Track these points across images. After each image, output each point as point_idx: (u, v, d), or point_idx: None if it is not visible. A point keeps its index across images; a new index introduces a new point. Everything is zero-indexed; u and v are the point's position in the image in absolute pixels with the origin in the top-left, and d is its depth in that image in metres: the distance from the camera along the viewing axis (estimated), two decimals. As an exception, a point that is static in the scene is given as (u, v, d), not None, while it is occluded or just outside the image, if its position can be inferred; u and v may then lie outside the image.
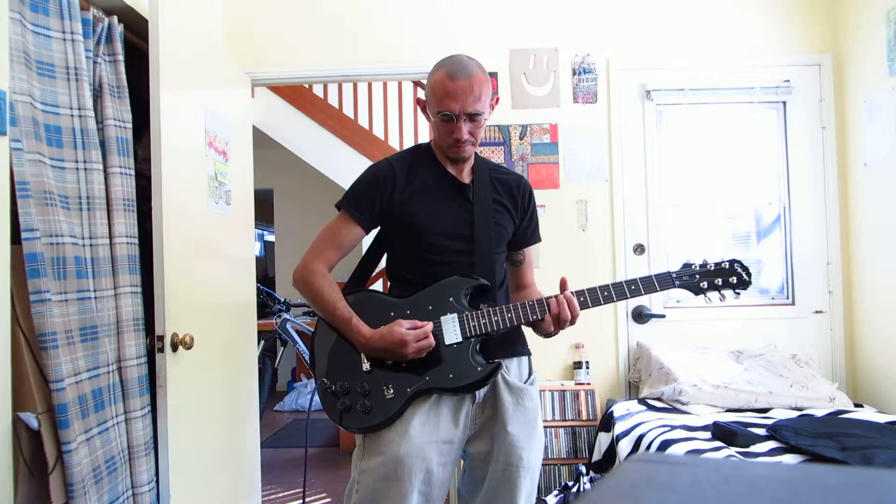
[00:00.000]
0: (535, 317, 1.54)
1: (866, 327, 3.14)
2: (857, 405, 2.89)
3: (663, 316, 3.22)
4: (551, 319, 1.55)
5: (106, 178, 2.18)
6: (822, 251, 3.26)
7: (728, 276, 1.57)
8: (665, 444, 2.37)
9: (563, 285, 1.57)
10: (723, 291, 1.58)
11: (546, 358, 3.23)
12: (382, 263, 1.79)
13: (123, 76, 2.31)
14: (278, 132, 4.73)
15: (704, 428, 2.51)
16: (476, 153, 1.68)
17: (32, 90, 1.93)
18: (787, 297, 3.31)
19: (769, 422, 2.53)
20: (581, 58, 3.30)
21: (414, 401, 1.51)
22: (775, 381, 2.88)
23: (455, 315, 1.53)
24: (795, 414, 2.69)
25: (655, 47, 3.30)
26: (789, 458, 2.18)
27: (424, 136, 5.44)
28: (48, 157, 1.96)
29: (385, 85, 4.84)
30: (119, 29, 2.33)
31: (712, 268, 1.58)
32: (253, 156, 3.05)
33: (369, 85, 4.92)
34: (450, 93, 1.50)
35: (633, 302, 3.25)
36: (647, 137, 3.30)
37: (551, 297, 1.55)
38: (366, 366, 1.54)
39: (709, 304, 1.60)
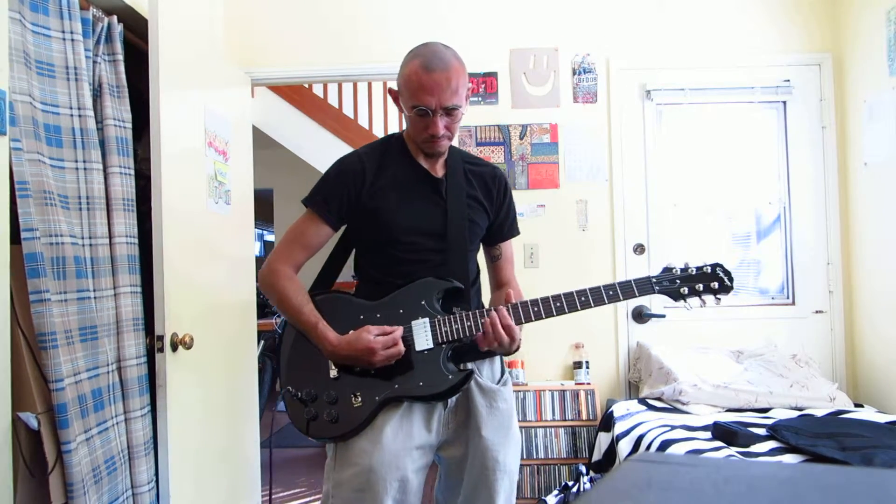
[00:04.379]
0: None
1: (866, 327, 3.13)
2: (857, 405, 2.89)
3: (663, 316, 3.21)
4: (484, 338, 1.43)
5: (105, 178, 2.18)
6: (822, 251, 3.26)
7: (710, 281, 1.48)
8: (665, 444, 2.37)
9: (507, 298, 1.47)
10: (703, 297, 1.49)
11: (546, 358, 3.23)
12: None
13: (123, 76, 2.31)
14: (278, 132, 4.73)
15: (704, 428, 2.51)
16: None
17: (32, 90, 1.93)
18: (787, 297, 3.31)
19: (769, 422, 2.53)
20: (581, 58, 3.30)
21: (384, 408, 1.46)
22: (775, 381, 2.88)
23: (427, 320, 1.47)
24: (795, 414, 2.69)
25: (655, 47, 3.30)
26: (789, 458, 2.18)
27: (424, 136, 5.44)
28: (48, 157, 1.96)
29: (385, 85, 4.84)
30: (119, 28, 2.33)
31: (694, 272, 1.49)
32: (253, 156, 3.04)
33: (369, 85, 4.91)
34: (425, 86, 1.42)
35: (633, 302, 3.25)
36: (647, 137, 3.30)
37: (523, 302, 1.47)
38: (333, 373, 1.48)
39: (688, 310, 1.51)
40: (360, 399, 1.45)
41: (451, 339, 1.46)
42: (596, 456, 2.86)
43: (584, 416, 3.07)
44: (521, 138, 3.28)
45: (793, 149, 3.30)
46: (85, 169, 2.10)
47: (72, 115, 2.07)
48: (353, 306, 1.52)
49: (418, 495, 1.51)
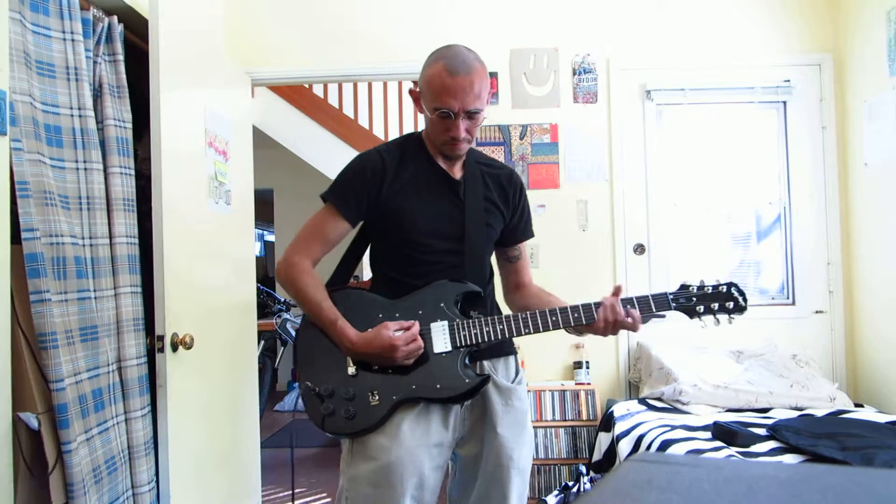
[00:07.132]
0: (527, 331, 1.48)
1: (866, 327, 3.13)
2: (857, 405, 2.90)
3: (663, 316, 3.20)
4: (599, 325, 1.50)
5: (106, 178, 2.18)
6: (822, 251, 3.26)
7: (724, 301, 1.50)
8: (665, 444, 2.37)
9: (616, 291, 1.54)
10: (718, 316, 1.51)
11: (546, 358, 3.23)
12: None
13: (123, 76, 2.31)
14: (278, 132, 4.73)
15: (705, 428, 2.51)
16: None
17: (32, 90, 1.93)
18: (788, 297, 3.31)
19: (769, 422, 2.53)
20: (581, 58, 3.30)
21: (400, 406, 1.47)
22: (775, 381, 2.88)
23: (445, 323, 1.48)
24: (796, 414, 2.69)
25: (655, 47, 3.30)
26: (789, 458, 2.18)
27: (424, 136, 5.43)
28: (48, 157, 1.96)
29: (385, 85, 4.84)
30: (119, 29, 2.33)
31: (709, 290, 1.51)
32: (253, 156, 3.04)
33: (369, 85, 4.91)
34: (449, 89, 1.43)
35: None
36: (647, 137, 3.30)
37: (550, 311, 1.50)
38: (351, 370, 1.49)
39: (703, 328, 1.52)
40: (377, 398, 1.46)
41: (469, 343, 1.47)
42: (596, 456, 2.86)
43: (584, 417, 3.07)
44: (521, 138, 3.28)
45: (793, 149, 3.30)
46: (85, 169, 2.10)
47: (72, 116, 2.07)
48: (370, 304, 1.52)
49: (435, 493, 1.52)
